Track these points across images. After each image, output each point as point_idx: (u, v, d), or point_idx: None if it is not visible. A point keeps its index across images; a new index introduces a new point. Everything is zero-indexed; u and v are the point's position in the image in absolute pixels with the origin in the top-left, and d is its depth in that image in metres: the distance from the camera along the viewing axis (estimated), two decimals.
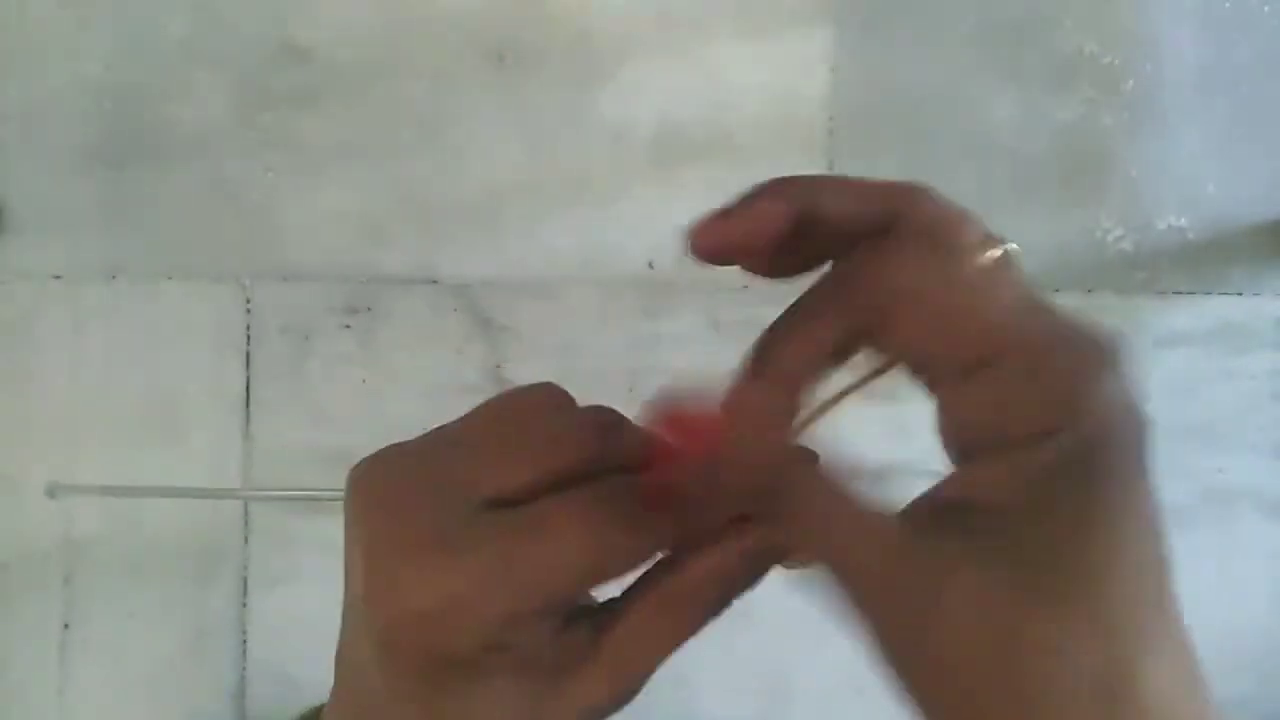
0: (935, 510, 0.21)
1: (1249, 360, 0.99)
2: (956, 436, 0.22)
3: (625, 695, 0.24)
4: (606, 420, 0.24)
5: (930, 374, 0.22)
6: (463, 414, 0.25)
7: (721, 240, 0.23)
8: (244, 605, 0.94)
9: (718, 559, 0.23)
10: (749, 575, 0.24)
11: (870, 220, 0.22)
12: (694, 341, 0.96)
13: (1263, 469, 0.98)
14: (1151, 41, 0.99)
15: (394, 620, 0.22)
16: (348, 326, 0.96)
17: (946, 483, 0.22)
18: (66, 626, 0.94)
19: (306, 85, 0.96)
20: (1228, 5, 1.00)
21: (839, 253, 0.23)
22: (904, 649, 0.20)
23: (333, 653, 0.25)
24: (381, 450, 0.24)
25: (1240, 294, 0.99)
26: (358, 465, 0.24)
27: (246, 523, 0.94)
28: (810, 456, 0.23)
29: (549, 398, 0.25)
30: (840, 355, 0.23)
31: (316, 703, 0.84)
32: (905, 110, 0.99)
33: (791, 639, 0.94)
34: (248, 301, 0.96)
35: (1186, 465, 0.97)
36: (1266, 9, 1.00)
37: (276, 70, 0.96)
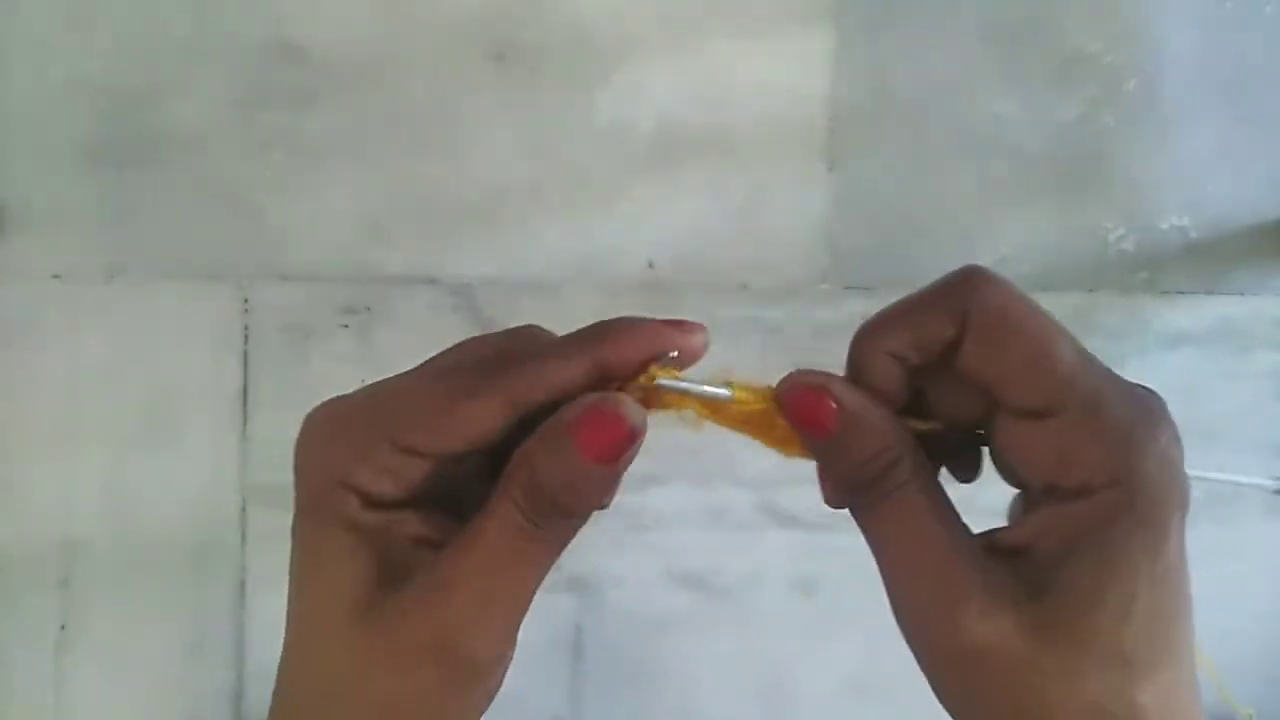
0: (993, 546, 0.24)
1: (1251, 360, 0.99)
2: (1015, 470, 0.24)
3: (469, 621, 0.24)
4: (512, 330, 0.28)
5: (1000, 408, 0.24)
6: None
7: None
8: (242, 606, 0.94)
9: (540, 432, 0.24)
10: (583, 460, 0.24)
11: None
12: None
13: (1265, 469, 0.98)
14: (1154, 41, 0.99)
15: (297, 464, 0.27)
16: (346, 326, 0.96)
17: (1009, 530, 0.24)
18: (63, 628, 0.94)
19: (305, 85, 0.96)
20: (1230, 5, 1.00)
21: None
22: (939, 664, 0.23)
23: None
24: None
25: (1242, 294, 0.99)
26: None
27: (244, 522, 0.94)
28: (913, 450, 0.24)
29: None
30: (931, 355, 0.25)
31: None
32: (906, 110, 0.99)
33: (793, 639, 0.94)
34: (245, 301, 0.96)
35: (1188, 465, 0.97)
36: (1269, 8, 1.00)
37: (275, 70, 0.96)
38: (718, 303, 0.96)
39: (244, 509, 0.94)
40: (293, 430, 0.25)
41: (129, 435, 0.95)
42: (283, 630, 0.27)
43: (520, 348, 0.25)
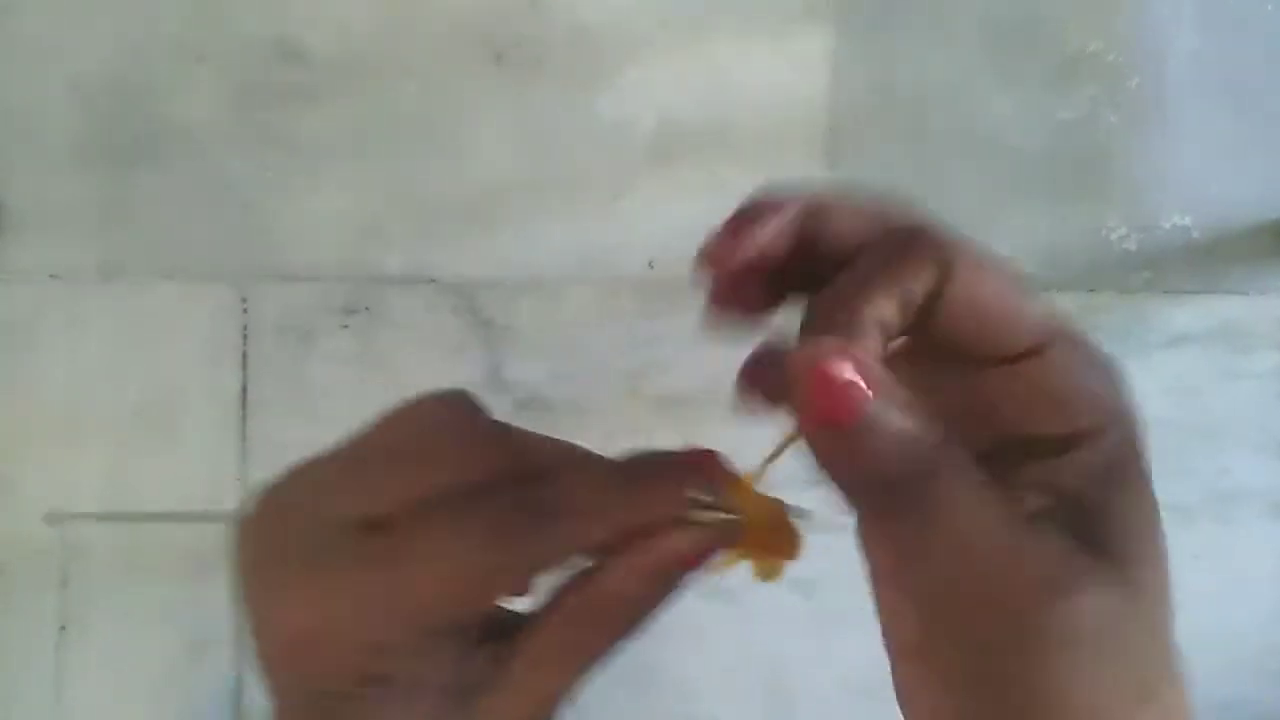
0: (1043, 510, 0.21)
1: (1253, 360, 0.99)
2: (1002, 420, 0.22)
3: (541, 716, 0.23)
4: (497, 433, 0.23)
5: (980, 356, 0.22)
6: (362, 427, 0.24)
7: (738, 254, 0.22)
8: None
9: (621, 574, 0.22)
10: (658, 591, 0.23)
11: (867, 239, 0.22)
12: (694, 341, 0.96)
13: (1267, 469, 0.98)
14: (1155, 40, 0.99)
15: (265, 653, 0.22)
16: (346, 326, 0.96)
17: (1031, 481, 0.21)
18: (63, 628, 0.94)
19: (304, 84, 0.96)
20: (1232, 3, 0.99)
21: (825, 278, 0.22)
22: (1026, 654, 0.20)
23: None
24: (278, 475, 0.23)
25: (1245, 293, 0.99)
26: (251, 494, 0.23)
27: None
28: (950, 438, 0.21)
29: (446, 408, 0.23)
30: (913, 319, 0.21)
31: None
32: (907, 109, 0.99)
33: (794, 639, 0.94)
34: (244, 301, 0.95)
35: (1190, 465, 0.97)
36: (1270, 7, 1.00)
37: (274, 69, 0.96)
38: None
39: None
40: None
41: (128, 435, 0.95)
42: None
43: (537, 498, 0.22)
